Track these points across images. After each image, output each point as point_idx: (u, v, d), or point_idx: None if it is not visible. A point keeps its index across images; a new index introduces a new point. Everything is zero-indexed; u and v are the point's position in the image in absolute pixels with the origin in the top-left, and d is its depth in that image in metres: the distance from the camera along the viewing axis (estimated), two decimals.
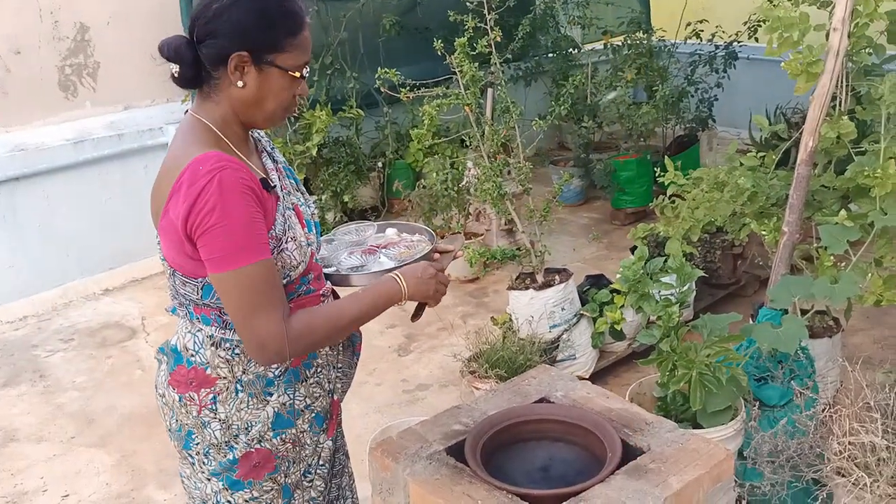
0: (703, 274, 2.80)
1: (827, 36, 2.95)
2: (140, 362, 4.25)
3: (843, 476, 2.31)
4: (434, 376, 3.89)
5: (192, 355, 1.72)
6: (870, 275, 2.72)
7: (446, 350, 3.99)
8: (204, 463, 1.76)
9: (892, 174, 2.62)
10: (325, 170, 5.46)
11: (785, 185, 3.27)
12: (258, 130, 1.85)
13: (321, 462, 1.86)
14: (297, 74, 1.65)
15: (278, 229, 1.65)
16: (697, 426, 2.57)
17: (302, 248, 1.71)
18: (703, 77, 6.01)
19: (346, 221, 5.61)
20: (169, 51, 1.64)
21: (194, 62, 1.64)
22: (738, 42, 5.86)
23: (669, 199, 3.71)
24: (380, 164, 5.97)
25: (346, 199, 5.48)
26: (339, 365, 1.88)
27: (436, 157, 5.33)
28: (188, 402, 1.73)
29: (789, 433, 2.43)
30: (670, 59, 6.24)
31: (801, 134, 3.23)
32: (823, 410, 2.36)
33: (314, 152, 5.27)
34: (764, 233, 2.99)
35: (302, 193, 1.88)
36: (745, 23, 5.76)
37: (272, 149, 1.88)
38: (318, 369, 1.82)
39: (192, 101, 1.77)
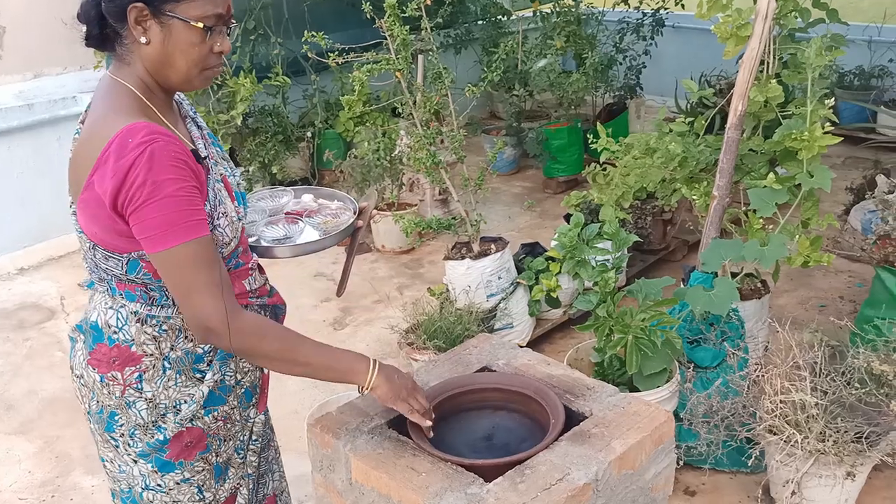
0: (639, 239, 2.82)
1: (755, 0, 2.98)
2: (60, 344, 4.07)
3: (775, 434, 2.37)
4: (371, 349, 3.83)
5: (115, 332, 1.63)
6: (797, 236, 2.78)
7: (383, 322, 3.94)
8: (129, 445, 1.68)
9: (819, 137, 2.68)
10: (252, 140, 5.30)
11: (713, 150, 3.31)
12: (178, 94, 1.75)
13: (254, 437, 1.81)
14: (200, 25, 1.52)
15: (210, 204, 1.56)
16: (634, 389, 2.60)
17: (233, 224, 1.63)
18: (631, 45, 6.05)
19: None
20: (80, 11, 1.56)
21: (98, 19, 1.54)
22: (665, 9, 5.91)
23: (601, 166, 3.73)
24: (309, 134, 5.82)
25: (274, 170, 5.33)
26: None
27: (367, 126, 5.24)
28: (111, 382, 1.64)
29: (723, 394, 2.48)
30: (598, 27, 6.26)
31: (727, 100, 3.27)
32: (755, 370, 2.40)
33: (239, 122, 5.10)
34: (695, 197, 3.02)
35: (227, 162, 1.78)
36: None
37: (194, 114, 1.77)
38: None
39: (106, 66, 1.66)
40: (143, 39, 1.52)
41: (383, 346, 3.82)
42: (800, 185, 2.76)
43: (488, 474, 1.58)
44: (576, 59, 7.16)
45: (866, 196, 4.03)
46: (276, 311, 1.87)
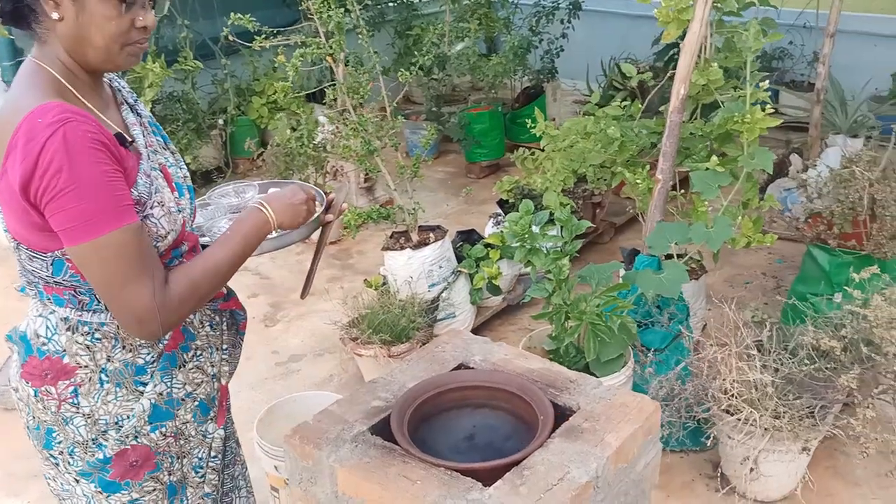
0: (592, 225, 2.81)
1: None
2: None
3: (731, 413, 2.41)
4: (307, 345, 3.70)
5: (45, 343, 1.50)
6: (740, 217, 2.83)
7: (316, 317, 3.81)
8: (70, 463, 1.55)
9: (759, 119, 2.73)
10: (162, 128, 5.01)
11: (650, 134, 3.35)
12: (118, 80, 1.62)
13: (213, 454, 1.69)
14: None
15: (142, 191, 1.43)
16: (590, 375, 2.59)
17: (171, 215, 1.50)
18: (543, 28, 6.06)
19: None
20: None
21: None
22: None
23: (529, 151, 3.71)
24: (221, 121, 5.58)
25: (187, 160, 5.06)
26: (224, 346, 1.70)
27: (284, 112, 5.04)
28: (45, 397, 1.51)
29: (680, 377, 2.51)
30: (514, 10, 6.24)
31: (664, 82, 3.31)
32: (712, 352, 2.43)
33: (148, 109, 4.80)
34: (638, 181, 3.04)
35: (172, 153, 1.65)
36: None
37: (135, 101, 1.63)
38: (198, 352, 1.64)
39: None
40: (55, 15, 1.39)
41: (321, 340, 3.70)
42: (740, 166, 2.81)
43: (485, 478, 1.52)
44: (487, 42, 7.15)
45: (788, 174, 4.18)
46: (236, 317, 1.75)
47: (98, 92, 1.50)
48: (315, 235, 1.86)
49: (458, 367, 1.89)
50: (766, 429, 2.36)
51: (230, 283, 1.73)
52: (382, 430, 1.66)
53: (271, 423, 2.59)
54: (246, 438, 2.58)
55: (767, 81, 2.92)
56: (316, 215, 1.80)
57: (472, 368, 1.87)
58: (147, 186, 1.45)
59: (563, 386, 1.78)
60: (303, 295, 1.94)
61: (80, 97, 1.43)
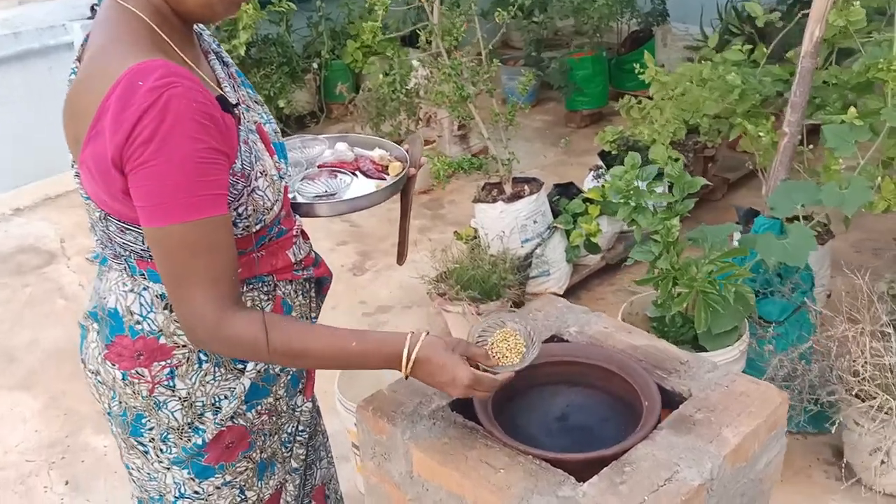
0: (707, 182, 2.53)
1: None
2: (62, 290, 3.81)
3: (862, 399, 2.14)
4: (395, 297, 3.58)
5: (139, 322, 1.33)
6: (879, 178, 2.49)
7: (405, 268, 3.65)
8: (161, 451, 1.41)
9: None
10: (256, 72, 4.95)
11: (774, 82, 3.00)
12: (197, 24, 1.39)
13: (301, 428, 1.56)
14: None
15: (245, 162, 1.25)
16: (699, 349, 2.36)
17: (275, 184, 1.33)
18: None
19: (284, 131, 5.16)
20: None
21: None
22: None
23: (636, 98, 3.41)
24: (315, 65, 5.47)
25: (281, 104, 5.00)
26: (313, 314, 1.56)
27: (378, 56, 4.88)
28: (136, 380, 1.36)
29: (803, 355, 2.24)
30: None
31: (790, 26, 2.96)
32: (841, 330, 2.15)
33: (242, 52, 4.73)
34: (762, 134, 2.72)
35: (262, 106, 1.46)
36: None
37: (218, 47, 1.45)
38: None
39: None
40: None
41: (407, 292, 3.57)
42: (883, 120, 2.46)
43: (579, 470, 1.34)
44: None
45: None
46: (322, 282, 1.59)
47: (191, 42, 1.32)
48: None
49: (551, 339, 1.70)
50: None
51: (317, 248, 1.59)
52: (464, 405, 1.50)
53: (353, 376, 2.48)
54: (329, 392, 2.50)
55: None
56: (403, 171, 1.64)
57: (567, 341, 1.68)
58: (248, 155, 1.27)
59: (672, 368, 1.57)
60: (400, 261, 1.78)
61: (175, 48, 1.24)
